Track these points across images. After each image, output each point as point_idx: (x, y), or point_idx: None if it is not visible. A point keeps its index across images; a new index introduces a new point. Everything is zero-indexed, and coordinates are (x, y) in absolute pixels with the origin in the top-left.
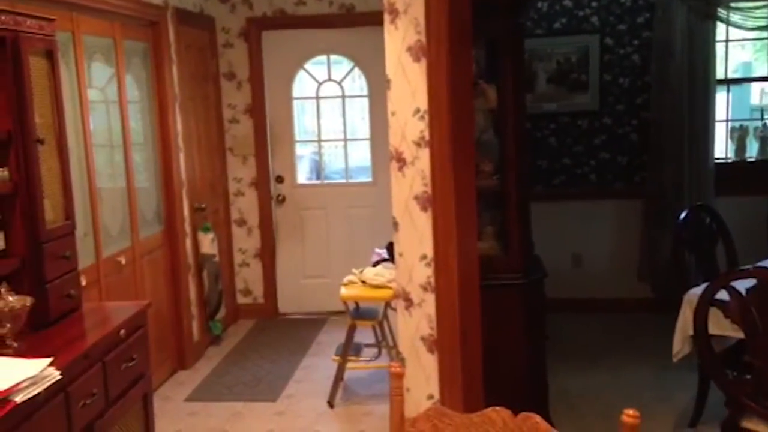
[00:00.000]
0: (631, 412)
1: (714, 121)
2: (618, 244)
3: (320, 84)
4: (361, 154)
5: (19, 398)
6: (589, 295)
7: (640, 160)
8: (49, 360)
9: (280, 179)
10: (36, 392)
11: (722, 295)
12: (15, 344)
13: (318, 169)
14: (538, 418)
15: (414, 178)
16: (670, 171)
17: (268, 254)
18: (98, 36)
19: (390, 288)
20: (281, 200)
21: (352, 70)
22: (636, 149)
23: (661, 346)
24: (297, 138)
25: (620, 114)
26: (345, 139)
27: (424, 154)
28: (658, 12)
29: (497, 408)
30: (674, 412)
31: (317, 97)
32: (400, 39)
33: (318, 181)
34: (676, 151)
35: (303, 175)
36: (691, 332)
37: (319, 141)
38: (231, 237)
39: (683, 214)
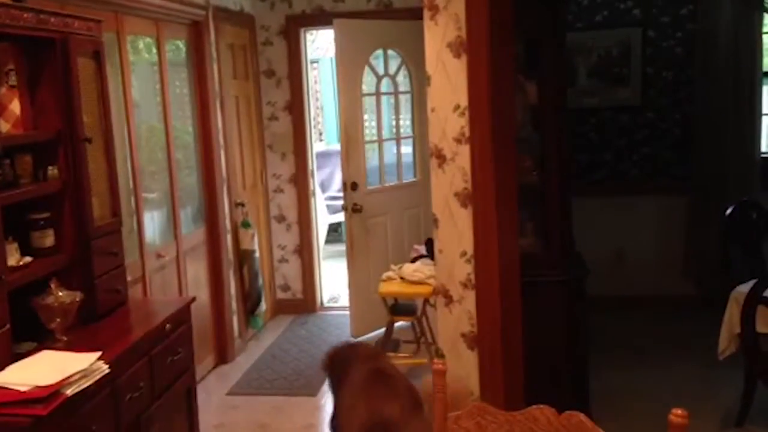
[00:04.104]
0: (679, 411)
1: (760, 114)
2: (662, 239)
3: (380, 78)
4: (403, 152)
5: (69, 391)
6: (632, 291)
7: (684, 154)
8: (98, 354)
9: (354, 186)
10: (86, 385)
11: None
12: (65, 338)
13: (380, 172)
14: (582, 417)
15: (454, 175)
16: (715, 165)
17: (306, 250)
18: (141, 36)
19: (429, 284)
20: (358, 209)
21: (401, 65)
22: (680, 144)
23: (706, 344)
24: (366, 138)
25: (663, 108)
26: (398, 138)
27: (464, 150)
28: (703, 3)
29: (541, 406)
30: (720, 411)
31: (378, 93)
32: (441, 35)
33: (379, 185)
34: (721, 145)
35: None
36: (737, 330)
37: (380, 141)
38: (270, 233)
39: (729, 210)
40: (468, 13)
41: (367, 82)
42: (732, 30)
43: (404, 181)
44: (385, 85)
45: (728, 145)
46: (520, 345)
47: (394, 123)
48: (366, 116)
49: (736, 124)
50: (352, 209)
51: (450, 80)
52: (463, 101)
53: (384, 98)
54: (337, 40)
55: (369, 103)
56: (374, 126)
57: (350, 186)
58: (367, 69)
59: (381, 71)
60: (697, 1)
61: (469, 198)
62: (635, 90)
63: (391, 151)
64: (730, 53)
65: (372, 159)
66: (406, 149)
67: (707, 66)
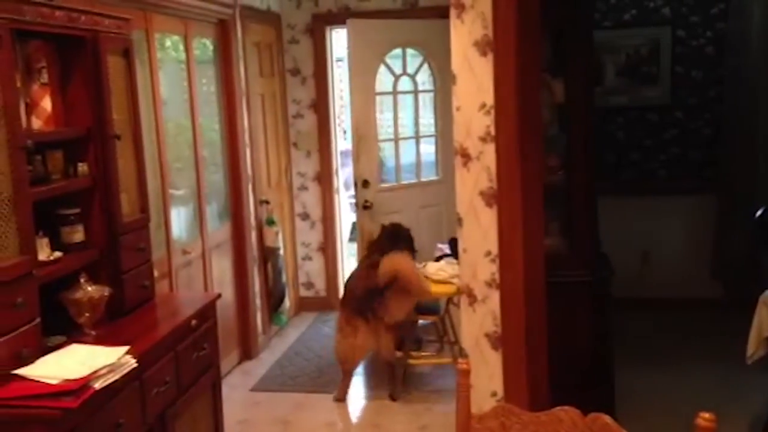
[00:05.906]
0: (707, 415)
1: None
2: (689, 241)
3: (397, 77)
4: (424, 150)
5: (98, 385)
6: (659, 293)
7: (713, 155)
8: (125, 348)
9: (366, 184)
10: (114, 379)
11: None
12: (93, 332)
13: (396, 170)
14: (608, 419)
15: (479, 174)
16: (744, 166)
17: (330, 248)
18: (170, 34)
19: (452, 283)
20: (368, 207)
21: (422, 63)
22: (709, 144)
23: (733, 347)
24: (380, 137)
25: (693, 108)
26: (417, 136)
27: (490, 149)
28: (733, 2)
29: (566, 407)
30: (747, 415)
31: (395, 92)
32: (467, 33)
33: (395, 183)
34: (751, 145)
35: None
36: (767, 334)
37: (396, 140)
38: (294, 230)
39: (760, 212)
40: (495, 12)
41: (385, 82)
42: (762, 29)
43: (422, 180)
44: (405, 83)
45: (758, 145)
46: (545, 345)
47: (414, 121)
48: (383, 115)
49: (766, 124)
50: (363, 206)
51: (476, 79)
52: (489, 100)
53: (402, 97)
54: (349, 39)
55: (387, 102)
56: (391, 125)
57: (362, 183)
58: (383, 68)
59: (398, 70)
60: (728, 0)
61: (494, 197)
62: (664, 89)
63: (411, 150)
64: (761, 53)
65: (389, 157)
66: (427, 147)
67: (737, 65)
